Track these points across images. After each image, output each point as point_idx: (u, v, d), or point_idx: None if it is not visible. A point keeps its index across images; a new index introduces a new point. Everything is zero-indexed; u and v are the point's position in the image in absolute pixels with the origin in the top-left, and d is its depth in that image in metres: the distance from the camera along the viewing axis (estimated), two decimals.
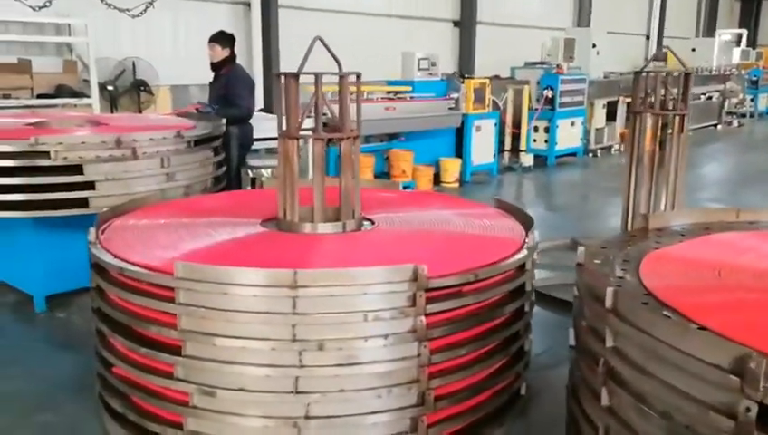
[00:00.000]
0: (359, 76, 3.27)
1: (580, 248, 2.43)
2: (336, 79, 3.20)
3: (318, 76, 3.14)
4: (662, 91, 5.03)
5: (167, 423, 2.70)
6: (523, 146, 10.41)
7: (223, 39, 6.00)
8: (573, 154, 11.63)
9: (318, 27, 13.06)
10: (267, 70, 11.63)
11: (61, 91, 9.07)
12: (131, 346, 2.74)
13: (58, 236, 4.39)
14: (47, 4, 8.81)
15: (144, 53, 10.14)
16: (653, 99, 5.03)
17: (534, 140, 10.89)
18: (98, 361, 3.04)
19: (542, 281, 4.77)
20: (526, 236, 3.18)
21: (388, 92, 9.08)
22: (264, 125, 6.45)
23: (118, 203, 3.56)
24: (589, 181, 10.34)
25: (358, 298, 2.51)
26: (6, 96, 8.63)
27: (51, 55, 9.65)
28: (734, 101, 17.95)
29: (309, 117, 3.31)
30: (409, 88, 9.08)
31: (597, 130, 12.18)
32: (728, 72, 17.66)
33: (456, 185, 9.14)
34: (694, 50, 18.04)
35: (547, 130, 10.92)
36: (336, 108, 3.23)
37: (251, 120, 6.07)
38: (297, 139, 3.23)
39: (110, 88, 9.70)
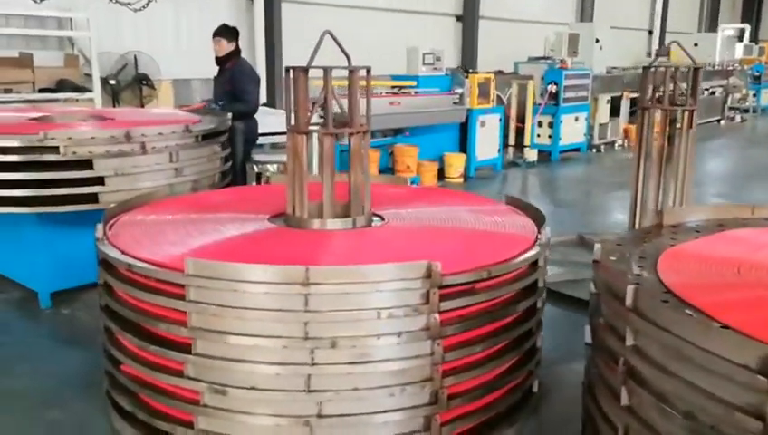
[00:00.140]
0: (368, 70, 3.23)
1: (597, 245, 2.40)
2: (338, 74, 3.16)
3: (328, 70, 3.11)
4: (670, 87, 4.99)
5: (176, 422, 2.67)
6: (527, 141, 10.36)
7: (228, 33, 5.95)
8: (577, 149, 11.58)
9: (320, 21, 13.06)
10: (270, 64, 11.60)
11: (62, 86, 9.01)
12: (140, 344, 2.71)
13: (63, 232, 4.36)
14: None
15: (146, 47, 10.08)
16: (661, 94, 4.98)
17: (538, 136, 10.83)
18: (106, 358, 3.01)
19: (550, 277, 4.73)
20: (538, 232, 3.14)
21: (393, 87, 9.03)
22: (267, 120, 6.43)
23: (127, 198, 3.53)
24: (593, 177, 10.30)
25: (371, 295, 2.48)
26: (8, 90, 8.58)
27: (52, 49, 9.60)
28: (737, 96, 17.89)
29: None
30: (414, 83, 9.03)
31: (600, 125, 12.13)
32: (731, 68, 17.60)
33: (461, 180, 9.09)
34: (696, 45, 17.91)
35: (551, 125, 10.86)
36: (340, 103, 3.20)
37: (256, 115, 6.02)
38: (306, 134, 3.19)
39: (111, 82, 9.66)
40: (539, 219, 3.33)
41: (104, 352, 3.02)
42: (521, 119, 10.38)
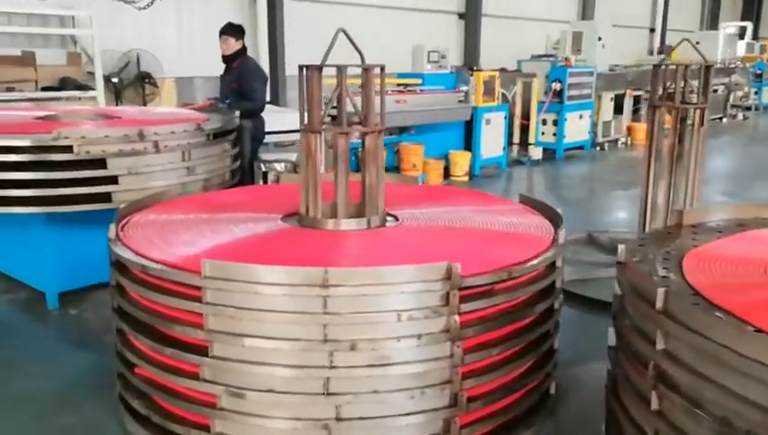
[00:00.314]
0: (382, 69, 3.20)
1: (621, 247, 2.36)
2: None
3: (342, 69, 3.07)
4: (681, 85, 4.96)
5: (192, 425, 2.64)
6: (532, 139, 10.33)
7: (235, 31, 5.91)
8: (581, 147, 11.55)
9: (322, 19, 13.05)
10: (273, 62, 11.56)
11: (65, 84, 8.97)
12: (155, 346, 2.67)
13: (70, 232, 4.31)
14: None
15: (148, 45, 10.04)
16: (672, 92, 4.95)
17: (542, 133, 10.80)
18: (118, 360, 2.97)
19: None
20: (555, 232, 3.11)
21: (398, 85, 8.99)
22: (271, 118, 6.38)
23: (139, 197, 3.50)
24: (598, 175, 10.27)
25: (390, 297, 2.45)
26: (10, 89, 8.53)
27: (55, 47, 9.56)
28: (739, 94, 17.85)
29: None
30: (419, 81, 8.99)
31: (604, 123, 12.09)
32: (733, 66, 17.56)
33: (466, 178, 9.05)
34: (698, 43, 17.88)
35: (555, 123, 10.82)
36: (354, 102, 3.16)
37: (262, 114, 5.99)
38: (320, 133, 3.15)
39: (114, 80, 9.61)
40: (554, 219, 3.30)
41: (117, 354, 2.98)
42: (525, 116, 10.35)
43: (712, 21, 26.12)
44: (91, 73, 9.19)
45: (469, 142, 9.36)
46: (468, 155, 9.19)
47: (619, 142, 12.60)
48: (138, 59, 9.84)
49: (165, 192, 3.70)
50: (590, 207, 7.95)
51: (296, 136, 7.35)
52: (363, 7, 13.09)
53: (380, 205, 3.27)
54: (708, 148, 5.07)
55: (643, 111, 13.82)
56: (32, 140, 3.93)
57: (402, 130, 8.62)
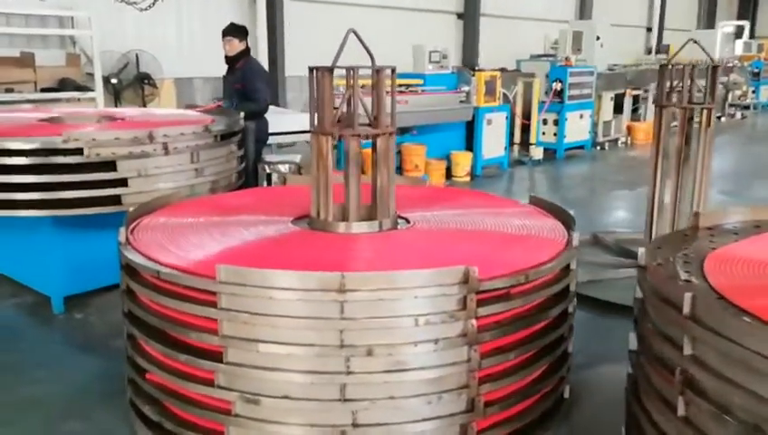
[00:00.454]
0: (393, 70, 3.17)
1: (641, 250, 2.34)
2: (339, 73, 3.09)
3: (353, 70, 3.04)
4: (689, 84, 4.94)
5: (206, 432, 2.61)
6: (533, 139, 10.31)
7: (239, 32, 5.87)
8: (581, 147, 11.54)
9: (320, 19, 13.01)
10: (272, 63, 11.53)
11: (64, 85, 8.94)
12: (168, 352, 2.64)
13: (75, 235, 4.28)
14: None
15: (147, 46, 10.01)
16: (679, 91, 4.93)
17: (543, 133, 10.78)
18: (129, 366, 2.94)
19: None
20: (568, 234, 3.09)
21: (399, 85, 8.95)
22: (271, 119, 6.32)
23: (148, 200, 3.46)
24: (600, 174, 10.25)
25: (407, 302, 2.42)
26: (9, 90, 8.49)
27: (54, 48, 9.53)
28: (738, 93, 17.87)
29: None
30: (421, 81, 8.97)
31: (604, 122, 12.10)
32: (731, 65, 17.57)
33: (468, 179, 9.03)
34: (695, 42, 17.92)
35: (556, 122, 10.81)
36: (364, 103, 3.13)
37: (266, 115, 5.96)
38: (331, 135, 3.12)
39: (113, 81, 9.58)
40: (567, 221, 3.27)
41: (127, 359, 2.94)
42: (526, 116, 10.34)
43: (708, 20, 26.17)
44: (91, 74, 9.16)
45: (471, 143, 9.34)
46: (470, 155, 9.17)
47: (619, 142, 12.60)
48: (137, 59, 9.80)
49: (173, 194, 3.66)
50: (592, 208, 7.93)
51: (297, 137, 7.36)
52: (360, 7, 13.08)
53: (392, 207, 3.24)
54: None
55: (642, 111, 13.85)
56: (41, 143, 3.89)
57: (404, 130, 8.59)
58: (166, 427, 2.72)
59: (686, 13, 25.50)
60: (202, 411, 2.60)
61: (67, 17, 9.39)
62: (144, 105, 9.74)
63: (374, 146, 3.16)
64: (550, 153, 10.88)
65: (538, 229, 3.21)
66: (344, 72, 3.09)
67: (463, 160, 9.02)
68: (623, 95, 12.61)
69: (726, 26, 20.56)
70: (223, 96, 6.04)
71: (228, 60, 5.92)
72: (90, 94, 8.92)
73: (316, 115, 3.13)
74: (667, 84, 5.00)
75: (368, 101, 3.12)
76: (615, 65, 14.32)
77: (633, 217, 7.40)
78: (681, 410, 1.90)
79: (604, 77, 11.95)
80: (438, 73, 9.26)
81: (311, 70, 3.09)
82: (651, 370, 2.10)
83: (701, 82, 5.04)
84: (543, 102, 10.55)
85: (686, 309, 1.87)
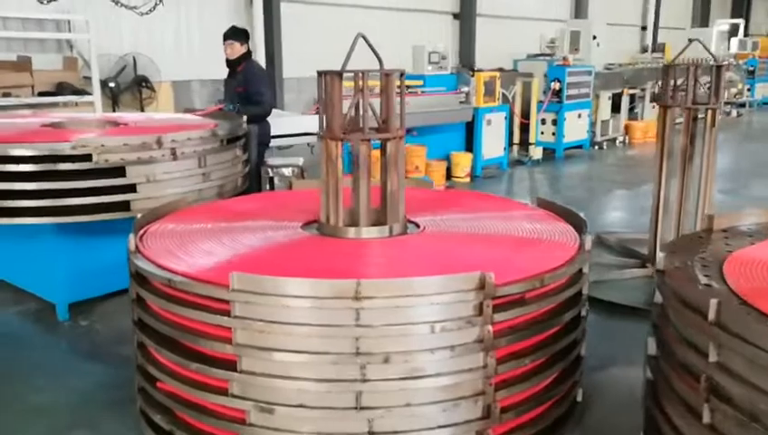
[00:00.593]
0: (402, 74, 3.16)
1: (660, 254, 2.32)
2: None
3: (363, 74, 3.02)
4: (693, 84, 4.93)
5: None
6: (532, 139, 10.30)
7: (240, 35, 5.83)
8: (580, 147, 11.55)
9: (317, 21, 12.95)
10: (269, 64, 11.49)
11: (62, 89, 8.89)
12: (180, 361, 2.61)
13: (80, 242, 4.25)
14: None
15: (145, 49, 9.97)
16: (684, 91, 4.92)
17: (542, 133, 10.78)
18: (139, 374, 2.91)
19: None
20: (580, 238, 3.07)
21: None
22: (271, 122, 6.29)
23: (157, 205, 3.44)
24: (599, 174, 10.24)
25: (423, 308, 2.40)
26: (6, 94, 8.44)
27: (51, 52, 9.47)
28: (734, 91, 17.90)
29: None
30: (421, 82, 8.95)
31: (602, 122, 12.10)
32: (726, 63, 17.58)
33: (468, 180, 9.02)
34: (690, 40, 17.94)
35: (554, 122, 10.81)
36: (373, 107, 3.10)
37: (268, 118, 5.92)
38: (341, 140, 3.10)
39: (111, 85, 9.54)
40: (577, 224, 3.25)
41: (137, 368, 2.91)
42: (525, 116, 10.33)
43: (702, 18, 26.22)
44: (88, 78, 9.10)
45: (470, 143, 9.32)
46: (470, 156, 9.15)
47: (617, 141, 12.62)
48: (134, 62, 9.76)
49: (181, 200, 3.63)
50: (592, 208, 7.92)
51: (295, 140, 7.32)
52: (356, 8, 13.06)
53: (401, 212, 3.22)
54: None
55: (639, 110, 13.87)
56: (49, 150, 3.86)
57: (405, 132, 8.55)
58: None
59: (681, 11, 25.55)
60: (215, 420, 2.57)
61: (64, 21, 9.34)
62: (142, 109, 9.71)
63: (384, 150, 3.15)
64: (549, 153, 10.88)
65: (549, 233, 3.20)
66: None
67: (463, 161, 9.00)
68: (620, 94, 12.62)
69: (721, 25, 20.58)
70: (224, 100, 6.00)
71: (229, 63, 5.87)
72: (87, 98, 8.88)
73: (325, 119, 3.10)
74: (671, 84, 4.99)
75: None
76: (611, 64, 14.35)
77: (633, 216, 7.40)
78: (706, 418, 1.88)
79: (602, 76, 11.97)
80: (438, 74, 9.24)
81: (319, 74, 3.06)
82: (673, 376, 2.08)
83: (703, 79, 5.03)
84: (542, 102, 10.54)
85: (712, 315, 1.85)
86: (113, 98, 9.64)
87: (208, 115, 5.40)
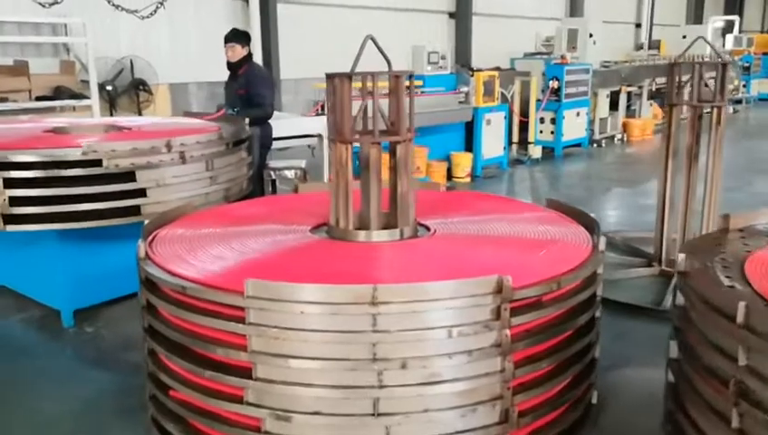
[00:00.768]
0: (411, 76, 3.12)
1: (681, 256, 2.30)
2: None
3: (373, 76, 2.99)
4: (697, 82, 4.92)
5: None
6: (531, 138, 10.29)
7: (241, 38, 5.79)
8: (578, 145, 11.54)
9: (313, 21, 12.90)
10: (267, 66, 11.43)
11: (59, 93, 8.82)
12: (192, 368, 2.57)
13: (84, 247, 4.21)
14: (58, 0, 8.56)
15: (142, 52, 9.91)
16: (690, 90, 4.91)
17: (541, 132, 10.77)
18: (150, 382, 2.87)
19: None
20: (593, 239, 3.04)
21: None
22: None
23: (166, 209, 3.41)
24: (599, 172, 10.23)
25: (441, 313, 2.36)
26: (4, 99, 8.37)
27: (47, 56, 9.40)
28: (730, 87, 17.90)
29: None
30: (421, 82, 8.92)
31: (601, 120, 12.11)
32: (731, 60, 17.61)
33: (468, 180, 8.99)
34: (685, 37, 17.96)
35: (553, 121, 10.80)
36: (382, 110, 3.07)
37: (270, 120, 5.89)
38: (351, 143, 3.06)
39: (108, 88, 9.47)
40: (588, 225, 3.23)
41: (149, 375, 2.87)
42: (524, 115, 10.31)
43: (696, 15, 26.26)
44: (85, 82, 9.04)
45: (470, 143, 9.30)
46: (470, 156, 9.13)
47: (616, 139, 12.63)
48: (132, 65, 9.70)
49: (188, 205, 3.59)
50: (596, 206, 7.90)
51: (294, 142, 7.27)
52: (352, 9, 13.02)
53: (412, 215, 3.19)
54: (703, 143, 5.04)
55: (636, 108, 13.87)
56: (59, 155, 3.82)
57: None
58: None
59: (675, 8, 25.59)
60: (230, 428, 2.54)
61: (60, 24, 9.27)
62: (139, 112, 9.65)
63: (393, 152, 3.11)
64: (548, 151, 10.87)
65: (561, 234, 3.17)
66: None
67: (463, 161, 8.98)
68: (618, 92, 12.62)
69: (717, 21, 20.61)
70: (225, 103, 5.96)
71: (230, 66, 5.83)
72: (85, 102, 8.82)
73: (335, 123, 3.07)
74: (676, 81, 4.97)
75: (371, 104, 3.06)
76: (608, 62, 14.34)
77: (634, 214, 7.39)
78: (735, 422, 1.86)
79: (600, 74, 11.96)
80: (437, 74, 9.21)
81: (328, 77, 3.03)
82: (698, 379, 2.06)
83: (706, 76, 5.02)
84: (540, 101, 10.52)
85: (740, 318, 1.83)
86: (110, 101, 9.57)
87: (213, 119, 5.35)
